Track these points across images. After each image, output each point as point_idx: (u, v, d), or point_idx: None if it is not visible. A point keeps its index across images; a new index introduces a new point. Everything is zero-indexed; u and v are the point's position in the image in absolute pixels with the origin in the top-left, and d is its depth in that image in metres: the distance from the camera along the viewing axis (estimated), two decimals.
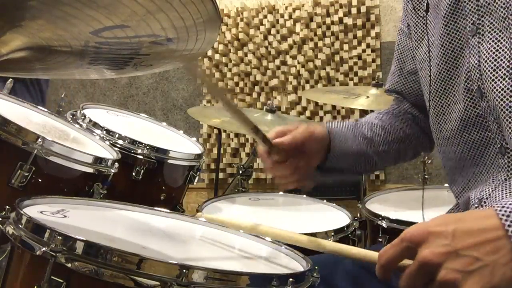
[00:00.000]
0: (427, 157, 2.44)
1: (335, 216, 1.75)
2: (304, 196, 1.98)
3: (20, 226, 0.85)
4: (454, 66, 0.99)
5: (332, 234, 1.55)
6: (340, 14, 3.33)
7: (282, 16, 3.46)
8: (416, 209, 1.73)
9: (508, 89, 0.87)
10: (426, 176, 2.48)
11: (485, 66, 0.91)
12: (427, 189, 1.87)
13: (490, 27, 0.91)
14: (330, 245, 0.89)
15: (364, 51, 3.31)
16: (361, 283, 1.03)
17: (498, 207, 0.71)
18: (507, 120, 0.88)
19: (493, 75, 0.89)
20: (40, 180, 1.20)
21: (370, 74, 3.26)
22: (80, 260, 0.78)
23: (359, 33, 3.31)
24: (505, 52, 0.88)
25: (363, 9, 3.31)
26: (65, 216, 0.98)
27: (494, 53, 0.90)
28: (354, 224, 1.66)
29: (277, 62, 3.46)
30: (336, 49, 3.33)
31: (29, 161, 1.17)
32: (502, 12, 0.88)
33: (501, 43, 0.89)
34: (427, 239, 0.69)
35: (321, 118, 3.38)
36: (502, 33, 0.89)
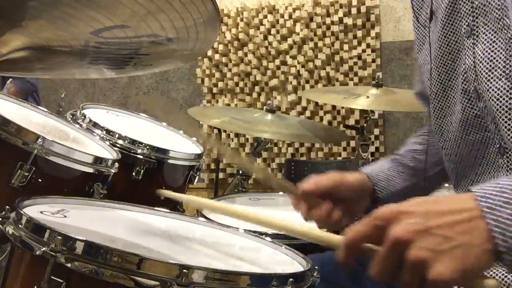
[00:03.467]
0: None
1: None
2: None
3: (20, 226, 0.85)
4: (452, 68, 0.99)
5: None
6: (340, 14, 3.33)
7: (282, 16, 3.46)
8: None
9: (504, 89, 0.87)
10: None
11: (480, 67, 0.91)
12: None
13: (485, 28, 0.91)
14: (293, 228, 0.87)
15: (364, 51, 3.31)
16: (362, 281, 1.04)
17: (476, 189, 0.68)
18: (503, 120, 0.88)
19: (489, 75, 0.89)
20: (40, 180, 1.20)
21: (370, 74, 3.26)
22: (80, 260, 0.78)
23: (359, 33, 3.31)
24: (500, 53, 0.88)
25: (363, 9, 3.31)
26: (65, 216, 0.98)
27: (489, 53, 0.90)
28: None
29: (277, 62, 3.46)
30: (336, 49, 3.33)
31: (29, 161, 1.17)
32: (496, 13, 0.88)
33: (496, 43, 0.89)
34: (398, 218, 0.66)
35: (321, 118, 3.38)
36: (497, 33, 0.89)
